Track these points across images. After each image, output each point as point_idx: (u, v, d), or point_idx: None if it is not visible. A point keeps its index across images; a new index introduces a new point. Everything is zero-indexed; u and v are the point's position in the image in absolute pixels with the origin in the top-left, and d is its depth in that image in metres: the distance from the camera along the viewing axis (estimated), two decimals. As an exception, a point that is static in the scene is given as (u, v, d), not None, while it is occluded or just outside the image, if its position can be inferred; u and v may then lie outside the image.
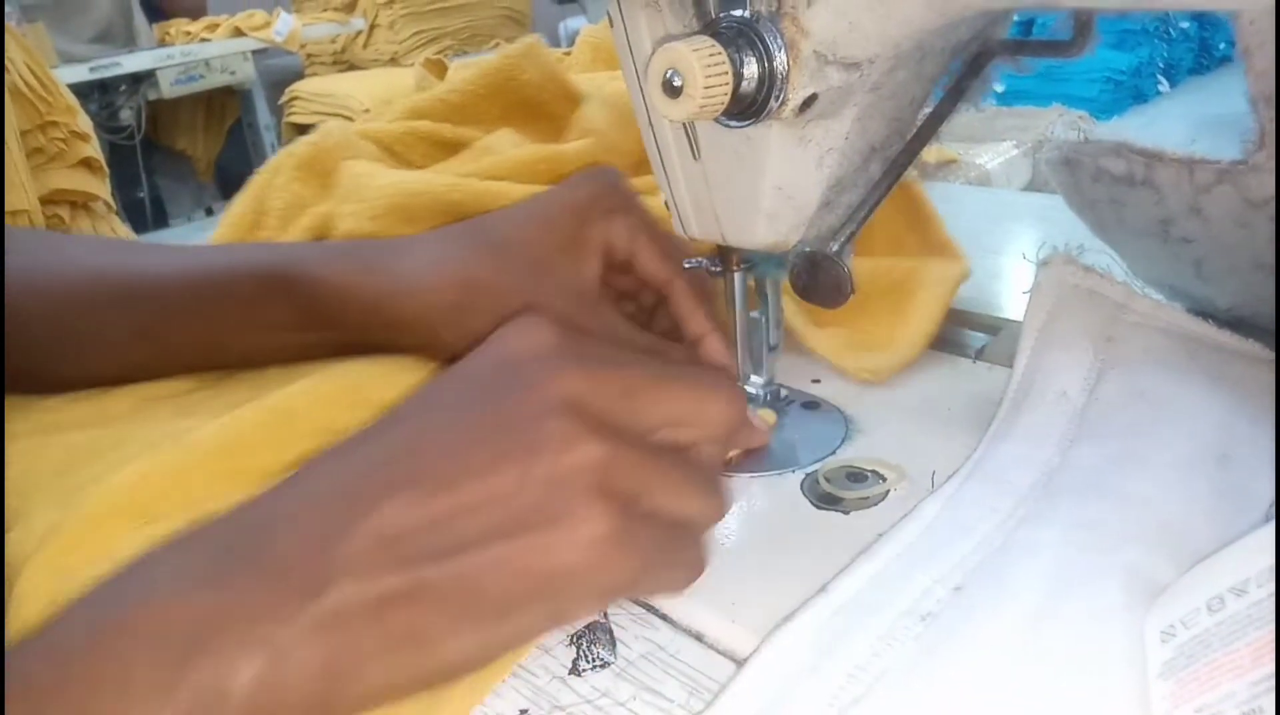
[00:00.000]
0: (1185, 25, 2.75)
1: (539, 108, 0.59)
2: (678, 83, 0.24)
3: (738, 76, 0.25)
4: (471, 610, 0.22)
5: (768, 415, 0.37)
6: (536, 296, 0.36)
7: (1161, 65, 2.70)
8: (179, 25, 2.59)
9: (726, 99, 0.25)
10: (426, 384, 0.27)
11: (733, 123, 0.27)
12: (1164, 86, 2.75)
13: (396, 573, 0.21)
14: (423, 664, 0.22)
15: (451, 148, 0.58)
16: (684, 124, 0.30)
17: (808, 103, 0.26)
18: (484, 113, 0.60)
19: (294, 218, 0.51)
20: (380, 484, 0.23)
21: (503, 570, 0.22)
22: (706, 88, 0.24)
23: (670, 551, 0.25)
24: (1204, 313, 0.35)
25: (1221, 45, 2.84)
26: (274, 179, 0.54)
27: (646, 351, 0.35)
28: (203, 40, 2.51)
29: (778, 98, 0.26)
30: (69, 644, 0.20)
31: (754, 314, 0.36)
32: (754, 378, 0.37)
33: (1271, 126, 0.31)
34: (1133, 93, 2.58)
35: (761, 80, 0.25)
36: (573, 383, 0.24)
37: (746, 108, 0.26)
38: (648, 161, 0.34)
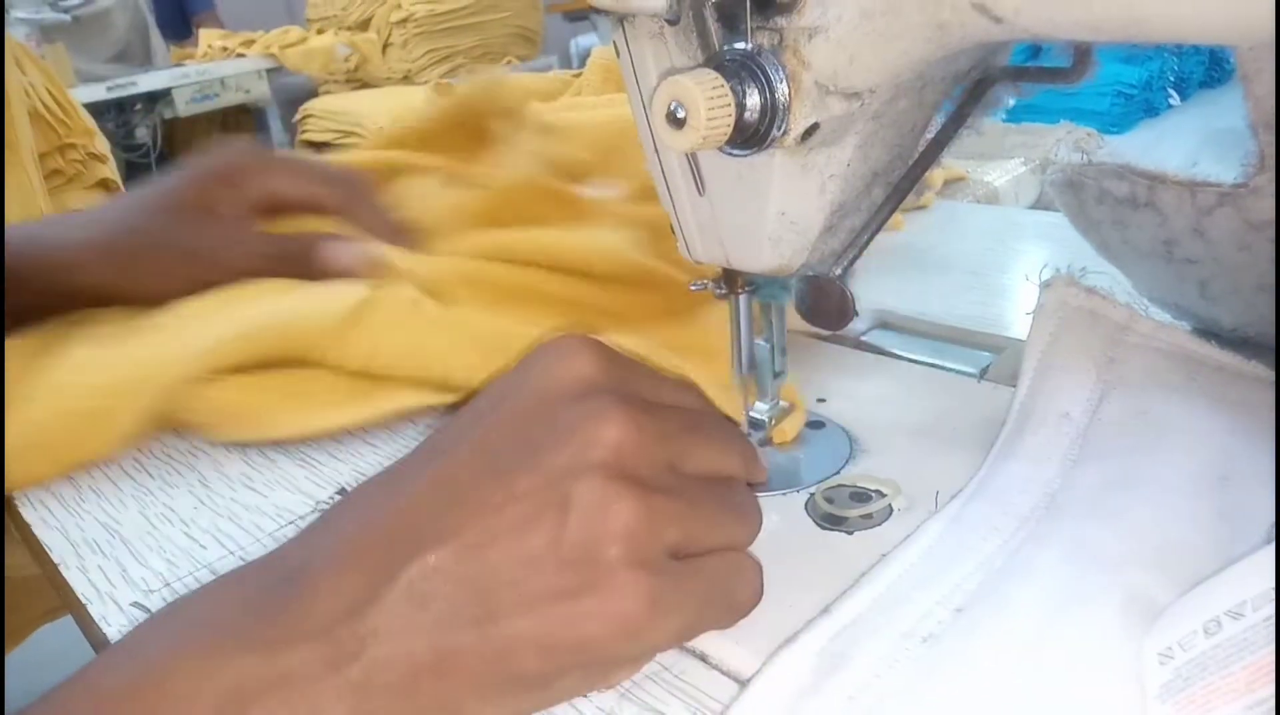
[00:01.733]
0: (1195, 39, 2.73)
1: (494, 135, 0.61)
2: (681, 115, 0.25)
3: (740, 107, 0.26)
4: (501, 682, 0.22)
5: (792, 425, 0.37)
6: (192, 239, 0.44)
7: (1172, 79, 2.70)
8: (211, 38, 2.64)
9: (729, 130, 0.25)
10: (463, 411, 0.27)
11: (736, 152, 0.27)
12: (1175, 100, 2.74)
13: (426, 641, 0.21)
14: None
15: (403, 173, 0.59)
16: (689, 158, 0.31)
17: (810, 132, 0.27)
18: (451, 140, 0.61)
19: None
20: (414, 535, 0.22)
21: (532, 641, 0.22)
22: (709, 120, 0.25)
23: (714, 595, 0.25)
24: (1210, 332, 0.36)
25: (1232, 58, 2.82)
26: None
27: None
28: (239, 55, 2.55)
29: (780, 127, 0.26)
30: (108, 689, 0.21)
31: (760, 342, 0.36)
32: (759, 404, 0.37)
33: (1271, 150, 0.31)
34: (1143, 106, 2.58)
35: (764, 111, 0.26)
36: (611, 434, 0.23)
37: (749, 137, 0.26)
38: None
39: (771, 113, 0.26)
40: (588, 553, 0.22)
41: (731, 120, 0.25)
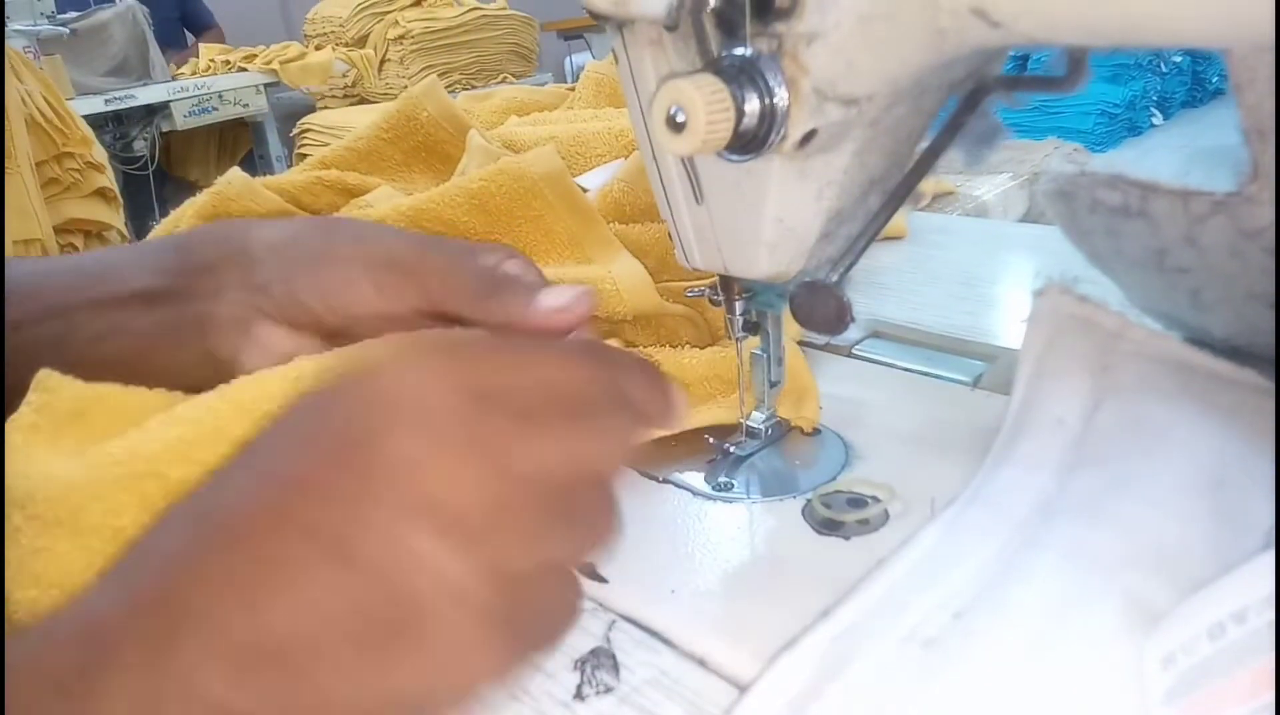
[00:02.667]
0: (1178, 59, 2.79)
1: (439, 147, 0.60)
2: (681, 119, 0.25)
3: (739, 112, 0.26)
4: None
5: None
6: (362, 247, 0.35)
7: (1155, 98, 2.74)
8: (212, 52, 2.64)
9: (729, 134, 0.26)
10: (262, 434, 0.23)
11: (734, 157, 0.28)
12: (1157, 119, 2.78)
13: (235, 690, 0.19)
14: None
15: (356, 194, 0.58)
16: (687, 164, 0.31)
17: (807, 138, 0.27)
18: (388, 158, 0.60)
19: None
20: (206, 580, 0.20)
21: (354, 689, 0.19)
22: (709, 123, 0.25)
23: (536, 620, 0.22)
24: (1200, 342, 0.36)
25: (1214, 79, 2.88)
26: (176, 227, 0.52)
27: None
28: (240, 69, 2.56)
29: (778, 133, 0.27)
30: None
31: (756, 351, 0.36)
32: (756, 413, 0.38)
33: (1264, 158, 0.31)
34: (1127, 125, 2.62)
35: (762, 116, 0.26)
36: (437, 479, 0.20)
37: (748, 142, 0.27)
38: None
39: (770, 118, 0.26)
40: (407, 595, 0.20)
41: (731, 125, 0.26)
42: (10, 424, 0.32)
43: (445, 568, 0.20)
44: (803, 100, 0.26)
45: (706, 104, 0.25)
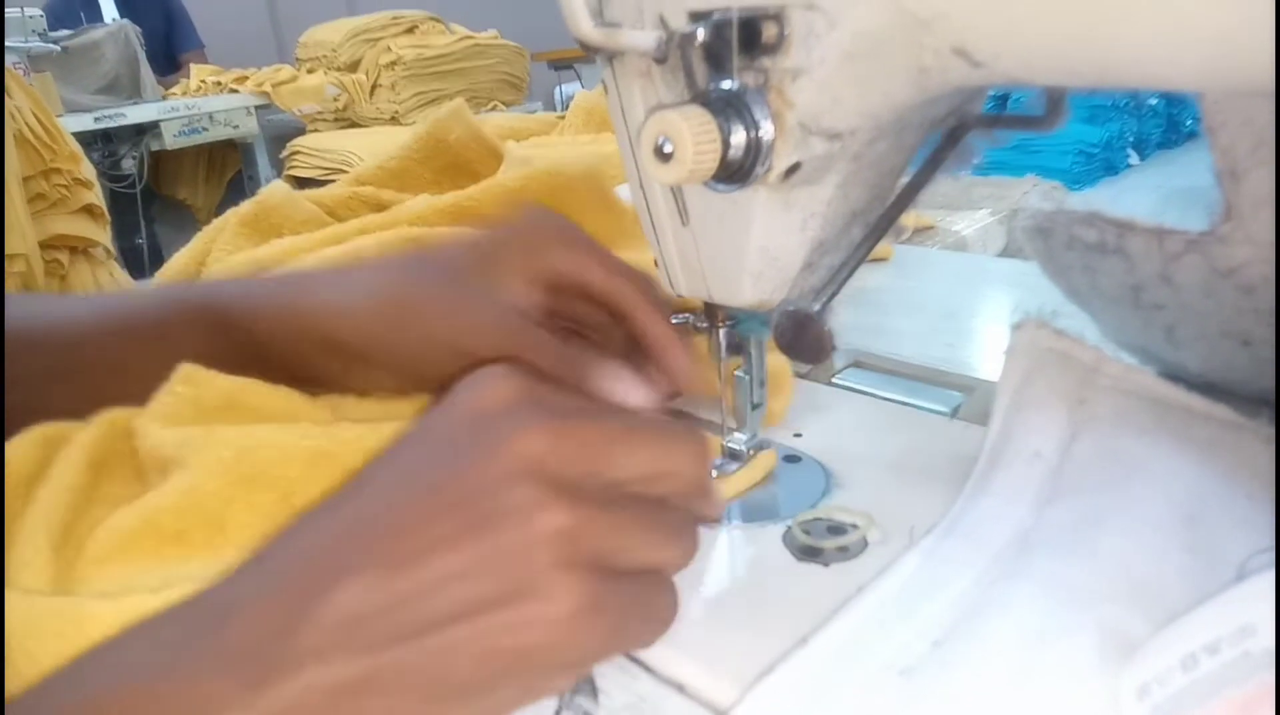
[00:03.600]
0: (1154, 102, 2.86)
1: (466, 167, 0.62)
2: (669, 149, 0.26)
3: (725, 144, 0.26)
4: (437, 695, 0.22)
5: (766, 460, 0.37)
6: (470, 317, 0.35)
7: (1131, 139, 2.80)
8: (203, 73, 2.65)
9: (715, 165, 0.26)
10: (388, 448, 0.26)
11: (720, 187, 0.28)
12: (1134, 159, 2.84)
13: (357, 659, 0.21)
14: None
15: (387, 209, 0.59)
16: (674, 191, 0.32)
17: (792, 170, 0.28)
18: (419, 177, 0.62)
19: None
20: (338, 564, 0.22)
21: (468, 652, 0.21)
22: (696, 154, 0.25)
23: (641, 608, 0.24)
24: (1176, 377, 0.37)
25: (1189, 121, 2.95)
26: (219, 236, 0.55)
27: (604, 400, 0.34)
28: (231, 91, 2.56)
29: (763, 164, 0.27)
30: None
31: (739, 373, 0.37)
32: (738, 435, 0.38)
33: (1236, 199, 0.32)
34: (1104, 165, 2.67)
35: (748, 148, 0.27)
36: (534, 443, 0.23)
37: (734, 173, 0.27)
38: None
39: (755, 150, 0.27)
40: (516, 559, 0.22)
41: (717, 156, 0.26)
42: (147, 414, 0.34)
43: (558, 526, 0.22)
44: (787, 134, 0.27)
45: (694, 135, 0.25)
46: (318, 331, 0.36)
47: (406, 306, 0.35)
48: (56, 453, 0.34)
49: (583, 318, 0.38)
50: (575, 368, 0.34)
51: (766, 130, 0.27)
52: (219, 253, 0.55)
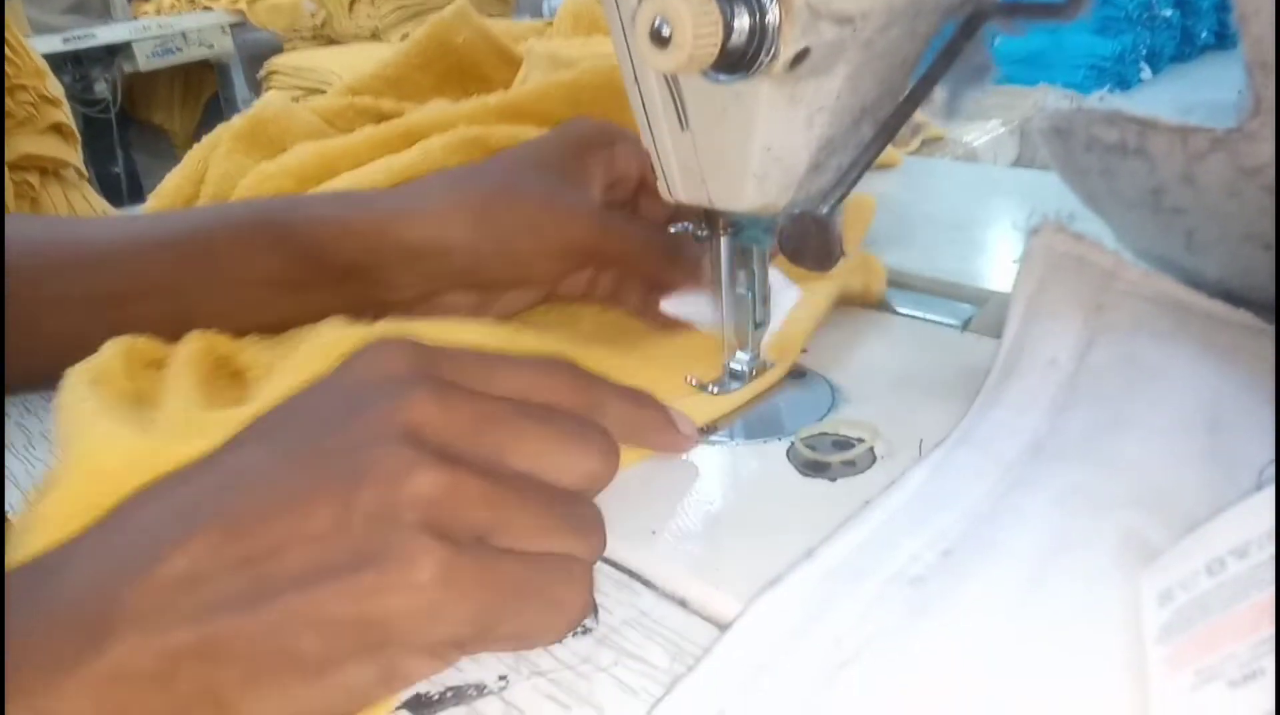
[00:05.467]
0: (1168, 13, 2.77)
1: (473, 70, 0.59)
2: (666, 32, 0.24)
3: (728, 28, 0.24)
4: (277, 668, 0.19)
5: (770, 374, 0.36)
6: (565, 210, 0.35)
7: (1144, 52, 2.73)
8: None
9: (716, 50, 0.24)
10: (269, 411, 0.24)
11: (722, 77, 0.26)
12: (1146, 73, 2.77)
13: (189, 625, 0.19)
14: None
15: (389, 119, 0.57)
16: (671, 88, 0.29)
17: (799, 57, 0.26)
18: (419, 83, 0.59)
19: (231, 187, 0.50)
20: (181, 524, 0.20)
21: (313, 619, 0.19)
22: (696, 37, 0.23)
23: (532, 593, 0.22)
24: (1193, 285, 0.35)
25: (1203, 33, 2.87)
26: (212, 153, 0.53)
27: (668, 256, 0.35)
28: (205, 8, 2.47)
29: (768, 51, 0.25)
30: None
31: (741, 291, 0.35)
32: (740, 354, 0.37)
33: (1265, 92, 0.30)
34: (1115, 79, 2.61)
35: (753, 33, 0.25)
36: (417, 408, 0.21)
37: (737, 61, 0.25)
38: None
39: (760, 35, 0.25)
40: (377, 522, 0.20)
41: (719, 41, 0.24)
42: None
43: (429, 487, 0.20)
44: (795, 17, 0.25)
45: (694, 16, 0.23)
46: (396, 238, 0.35)
47: (495, 203, 0.34)
48: (141, 366, 0.33)
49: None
50: (670, 253, 0.35)
51: (773, 14, 0.25)
52: (216, 171, 0.52)
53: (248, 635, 0.19)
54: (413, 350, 0.24)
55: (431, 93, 0.57)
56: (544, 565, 0.22)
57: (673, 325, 0.39)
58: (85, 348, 0.33)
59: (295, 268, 0.35)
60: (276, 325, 0.36)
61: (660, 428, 0.29)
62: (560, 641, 0.24)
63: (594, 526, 0.24)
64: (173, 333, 0.35)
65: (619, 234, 0.35)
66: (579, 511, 0.24)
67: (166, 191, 0.55)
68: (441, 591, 0.19)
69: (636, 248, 0.35)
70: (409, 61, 0.58)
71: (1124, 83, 2.64)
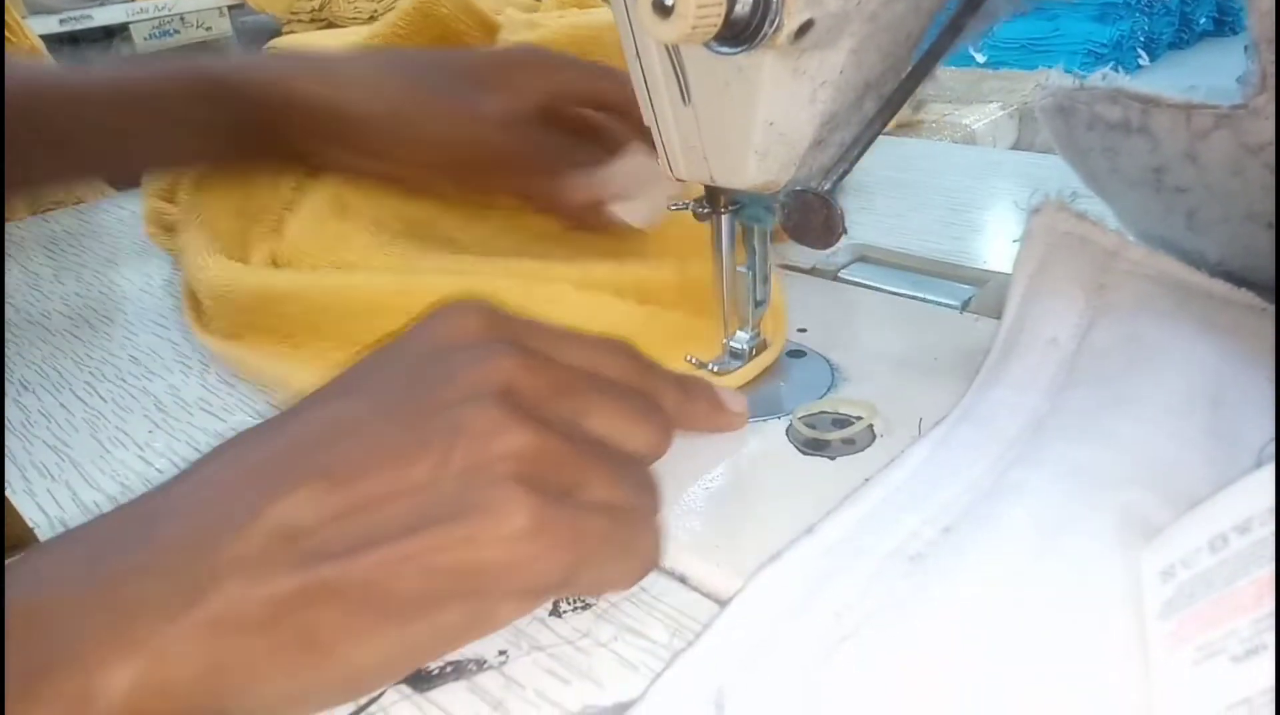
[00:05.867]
0: (1167, -1, 2.75)
1: (456, 40, 0.59)
2: (669, 1, 0.23)
3: (731, -2, 0.24)
4: (375, 613, 0.20)
5: (769, 354, 0.36)
6: (451, 113, 0.37)
7: (1142, 38, 2.71)
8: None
9: (719, 21, 0.24)
10: (350, 368, 0.25)
11: (724, 49, 0.26)
12: (1144, 60, 2.75)
13: (292, 573, 0.19)
14: (322, 672, 0.20)
15: None
16: (673, 60, 0.29)
17: (803, 29, 0.25)
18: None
19: None
20: (282, 475, 0.21)
21: (410, 568, 0.20)
22: (699, 7, 0.23)
23: (613, 543, 0.23)
24: (1193, 265, 0.35)
25: (1201, 20, 2.85)
26: None
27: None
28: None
29: (772, 22, 0.25)
30: None
31: (741, 268, 0.35)
32: (740, 333, 0.36)
33: (1272, 69, 0.30)
34: (1113, 65, 2.58)
35: (757, 3, 0.24)
36: (505, 371, 0.22)
37: (740, 32, 0.25)
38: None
39: (764, 6, 0.24)
40: (473, 475, 0.21)
41: (722, 11, 0.24)
42: None
43: (521, 444, 0.21)
44: (799, -12, 0.25)
45: (697, -14, 0.23)
46: (329, 110, 0.37)
47: (414, 89, 0.37)
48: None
49: (583, 126, 0.41)
50: (581, 158, 0.38)
51: (777, -16, 0.24)
52: None
53: (348, 583, 0.20)
54: (491, 315, 0.25)
55: None
56: (623, 518, 0.23)
57: (618, 228, 0.41)
58: (30, 183, 0.37)
59: (236, 127, 0.38)
60: (214, 172, 0.40)
61: (709, 414, 0.31)
62: (632, 588, 0.25)
63: (655, 489, 0.26)
64: (115, 174, 0.39)
65: (522, 140, 0.38)
66: (644, 476, 0.25)
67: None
68: (533, 542, 0.20)
69: (543, 156, 0.38)
70: (394, 32, 0.58)
71: (1122, 69, 2.62)
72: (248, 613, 0.19)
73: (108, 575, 0.19)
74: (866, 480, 0.28)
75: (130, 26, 2.30)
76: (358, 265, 0.40)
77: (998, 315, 0.34)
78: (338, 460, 0.21)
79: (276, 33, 2.45)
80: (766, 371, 0.36)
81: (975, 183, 0.56)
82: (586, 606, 0.25)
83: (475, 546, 0.20)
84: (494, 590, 0.21)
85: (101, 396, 0.40)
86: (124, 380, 0.41)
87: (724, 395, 0.31)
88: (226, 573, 0.19)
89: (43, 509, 0.33)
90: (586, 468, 0.23)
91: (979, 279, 0.42)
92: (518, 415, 0.21)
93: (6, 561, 0.20)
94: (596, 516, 0.22)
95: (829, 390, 0.35)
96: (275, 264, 0.42)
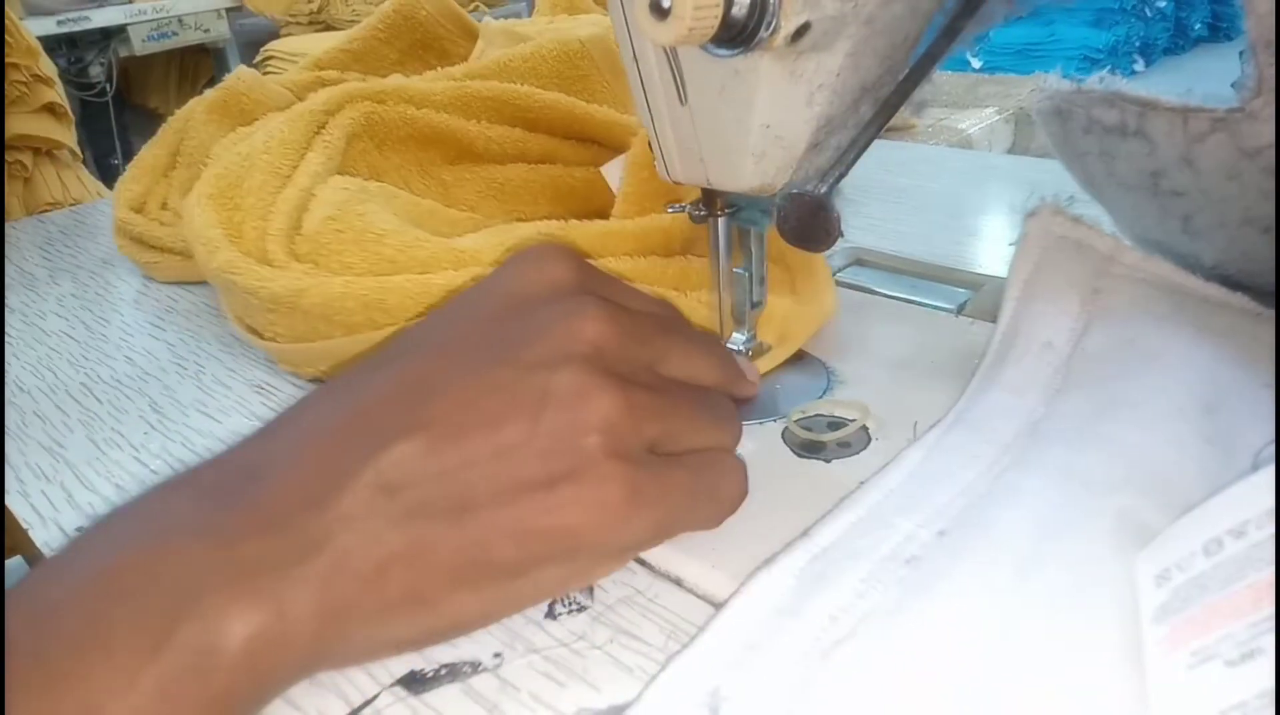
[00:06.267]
0: (1162, 5, 2.77)
1: (435, 44, 0.60)
2: (666, 3, 0.23)
3: (729, 1, 0.24)
4: (477, 572, 0.21)
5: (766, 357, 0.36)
6: None
7: (1138, 44, 2.72)
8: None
9: (717, 23, 0.24)
10: (432, 315, 0.26)
11: (721, 51, 0.26)
12: (1140, 66, 2.76)
13: (398, 530, 0.20)
14: (423, 622, 0.21)
15: None
16: (670, 62, 0.29)
17: (800, 32, 0.25)
18: (384, 57, 0.60)
19: (204, 155, 0.51)
20: (383, 428, 0.21)
21: (512, 531, 0.21)
22: (696, 9, 0.23)
23: (699, 495, 0.24)
24: (1189, 270, 0.35)
25: (1196, 25, 2.86)
26: (186, 124, 0.54)
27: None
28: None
29: (769, 25, 0.25)
30: (48, 600, 0.19)
31: (738, 270, 0.35)
32: (736, 335, 0.36)
33: (1269, 72, 0.30)
34: (1109, 71, 2.59)
35: (754, 5, 0.24)
36: (591, 327, 0.23)
37: (737, 34, 0.25)
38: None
39: (761, 8, 0.24)
40: (565, 442, 0.21)
41: (719, 13, 0.24)
42: None
43: (608, 411, 0.22)
44: (796, -10, 0.25)
45: (694, -12, 0.23)
46: None
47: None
48: None
49: None
50: None
51: (774, -14, 0.24)
52: (191, 142, 0.52)
53: (452, 545, 0.21)
54: (575, 263, 0.26)
55: (395, 67, 0.58)
56: (705, 468, 0.25)
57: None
58: None
59: None
60: None
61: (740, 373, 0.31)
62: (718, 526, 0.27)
63: (734, 417, 0.27)
64: None
65: None
66: (722, 406, 0.27)
67: (144, 162, 0.56)
68: (629, 508, 0.22)
69: None
70: (374, 35, 0.59)
71: (1118, 74, 2.63)
72: (359, 567, 0.20)
73: (224, 528, 0.20)
74: (862, 483, 0.28)
75: (128, 28, 2.29)
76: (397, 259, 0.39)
77: (993, 319, 0.34)
78: (432, 416, 0.21)
79: (274, 35, 2.45)
80: (763, 373, 0.36)
81: (971, 187, 0.57)
82: (582, 609, 0.25)
83: (572, 513, 0.21)
84: (590, 551, 0.22)
85: (97, 398, 0.40)
86: (119, 382, 0.41)
87: (744, 363, 0.33)
88: (338, 529, 0.20)
89: (37, 510, 0.33)
90: (670, 418, 0.24)
91: (974, 283, 0.42)
92: (605, 379, 0.22)
93: (113, 512, 0.21)
94: (682, 472, 0.23)
95: (825, 393, 0.35)
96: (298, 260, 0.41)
